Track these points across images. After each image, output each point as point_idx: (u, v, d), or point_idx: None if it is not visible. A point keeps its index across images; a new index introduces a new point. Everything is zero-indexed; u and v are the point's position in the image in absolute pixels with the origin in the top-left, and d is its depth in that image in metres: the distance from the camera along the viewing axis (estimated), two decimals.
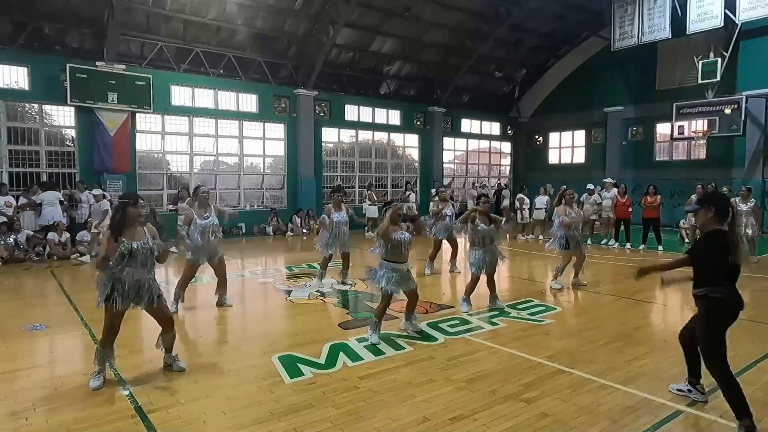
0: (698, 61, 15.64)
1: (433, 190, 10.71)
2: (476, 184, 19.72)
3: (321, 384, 4.14)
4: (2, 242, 10.21)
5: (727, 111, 15.53)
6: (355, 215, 8.64)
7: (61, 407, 3.71)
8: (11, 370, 4.47)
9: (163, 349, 4.41)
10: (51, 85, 12.31)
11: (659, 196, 12.33)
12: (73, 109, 12.77)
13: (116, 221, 4.11)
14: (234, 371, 4.45)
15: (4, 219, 10.54)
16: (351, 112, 18.03)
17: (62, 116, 13.01)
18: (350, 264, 8.08)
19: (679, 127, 16.77)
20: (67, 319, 6.09)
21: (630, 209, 12.85)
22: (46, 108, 12.81)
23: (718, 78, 15.30)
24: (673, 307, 7.27)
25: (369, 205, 15.51)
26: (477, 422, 3.49)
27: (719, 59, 15.25)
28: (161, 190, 14.55)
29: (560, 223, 7.73)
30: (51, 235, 10.80)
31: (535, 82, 22.43)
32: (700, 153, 17.59)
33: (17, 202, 11.10)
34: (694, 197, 11.19)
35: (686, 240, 13.12)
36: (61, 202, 11.47)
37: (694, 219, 9.93)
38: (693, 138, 16.72)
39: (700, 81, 15.69)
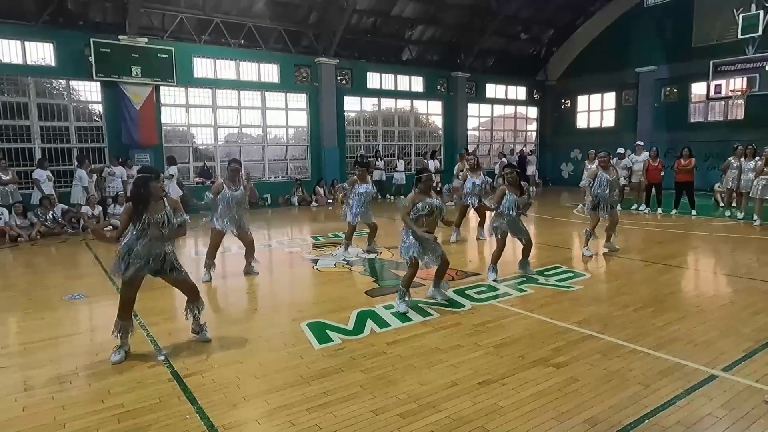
0: (738, 15, 14.78)
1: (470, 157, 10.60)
2: (522, 151, 20.16)
3: (350, 350, 4.20)
4: (43, 217, 10.57)
5: None
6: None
7: (102, 371, 3.87)
8: (55, 336, 4.68)
9: (191, 319, 4.47)
10: (76, 60, 12.44)
11: (693, 159, 11.89)
12: (98, 84, 12.91)
13: (139, 196, 4.08)
14: (264, 338, 4.55)
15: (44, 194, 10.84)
16: (373, 79, 17.75)
17: (89, 91, 13.18)
18: (377, 233, 8.13)
19: (716, 86, 15.99)
20: (103, 289, 6.32)
21: (662, 173, 12.44)
22: (73, 84, 13.01)
23: (760, 32, 14.45)
24: (706, 272, 7.09)
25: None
26: (506, 386, 3.50)
27: (761, 12, 14.36)
28: (188, 163, 14.72)
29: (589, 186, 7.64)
30: (84, 209, 11.13)
31: (563, 42, 21.58)
32: (738, 113, 16.77)
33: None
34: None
35: (721, 204, 12.64)
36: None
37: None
38: (731, 97, 15.95)
39: (740, 36, 14.86)
